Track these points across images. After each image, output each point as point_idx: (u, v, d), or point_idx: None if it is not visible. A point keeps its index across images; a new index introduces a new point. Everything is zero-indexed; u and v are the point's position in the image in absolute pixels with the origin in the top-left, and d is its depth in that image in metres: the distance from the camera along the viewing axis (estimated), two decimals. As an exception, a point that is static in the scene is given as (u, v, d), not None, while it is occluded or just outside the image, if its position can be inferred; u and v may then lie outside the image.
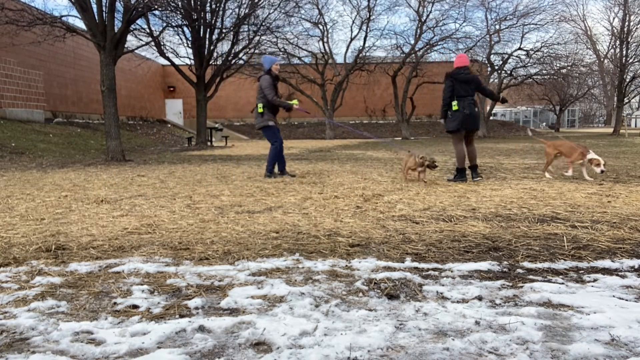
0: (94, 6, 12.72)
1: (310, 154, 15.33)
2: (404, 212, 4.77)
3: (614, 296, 2.49)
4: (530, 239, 3.65)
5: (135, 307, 2.42)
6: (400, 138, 28.49)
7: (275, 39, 24.97)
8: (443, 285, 2.68)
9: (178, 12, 18.24)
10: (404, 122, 28.70)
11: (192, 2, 19.44)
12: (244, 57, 24.25)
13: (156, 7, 14.22)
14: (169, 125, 33.92)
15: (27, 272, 2.99)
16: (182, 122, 36.92)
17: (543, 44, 29.36)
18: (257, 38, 22.99)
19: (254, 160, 12.65)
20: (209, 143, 23.51)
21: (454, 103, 6.99)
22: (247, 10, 21.20)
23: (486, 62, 29.94)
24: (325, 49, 28.77)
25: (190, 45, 22.07)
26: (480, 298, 2.48)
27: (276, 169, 8.12)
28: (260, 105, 7.75)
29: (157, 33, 20.33)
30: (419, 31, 28.03)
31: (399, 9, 67.47)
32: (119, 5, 13.46)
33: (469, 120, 7.04)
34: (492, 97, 7.94)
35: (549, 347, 1.94)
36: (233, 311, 2.37)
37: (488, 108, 32.94)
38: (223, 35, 21.69)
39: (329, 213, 4.80)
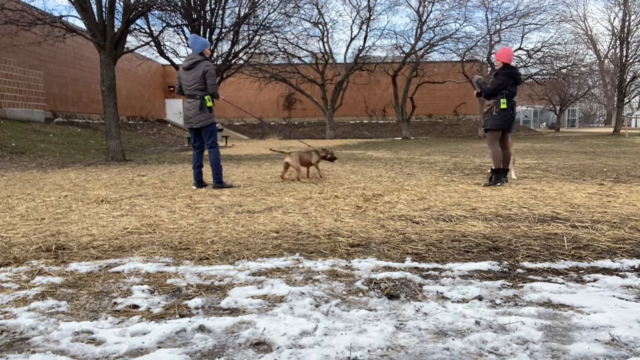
0: (94, 6, 12.72)
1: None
2: (404, 212, 4.77)
3: (614, 296, 2.49)
4: (531, 239, 3.65)
5: (136, 307, 2.42)
6: (400, 138, 28.48)
7: (275, 39, 24.99)
8: (443, 285, 2.68)
9: (178, 12, 18.23)
10: (404, 122, 28.70)
11: (192, 2, 19.43)
12: (244, 57, 24.24)
13: (155, 6, 14.22)
14: (169, 125, 33.92)
15: (27, 272, 2.99)
16: (182, 122, 36.91)
17: (543, 44, 29.36)
18: (257, 38, 23.00)
19: (254, 160, 12.65)
20: (209, 143, 23.47)
21: (503, 101, 6.57)
22: (246, 10, 21.20)
23: (486, 62, 29.94)
24: (325, 49, 28.78)
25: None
26: (480, 298, 2.48)
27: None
28: (208, 98, 6.54)
29: (157, 33, 20.33)
30: (419, 31, 28.05)
31: (399, 8, 67.57)
32: (119, 5, 13.47)
33: (511, 122, 6.77)
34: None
35: (549, 347, 1.94)
36: (233, 311, 2.37)
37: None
38: (223, 35, 21.68)
39: (329, 213, 4.80)
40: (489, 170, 6.98)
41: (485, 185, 6.66)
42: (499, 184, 6.62)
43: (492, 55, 28.54)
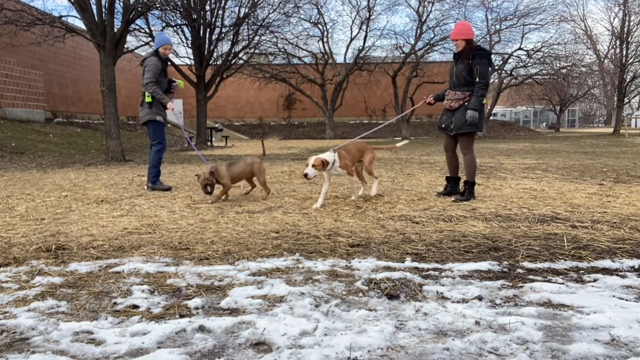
0: (94, 6, 12.72)
1: (310, 154, 15.32)
2: (404, 212, 4.77)
3: (614, 296, 2.49)
4: (530, 239, 3.65)
5: (135, 307, 2.42)
6: (400, 138, 28.47)
7: (275, 39, 24.98)
8: (443, 285, 2.67)
9: (177, 12, 18.23)
10: (404, 122, 28.69)
11: (192, 2, 19.42)
12: (244, 57, 24.25)
13: (155, 6, 14.21)
14: (169, 125, 33.93)
15: (27, 272, 2.99)
16: (182, 122, 36.93)
17: (543, 44, 29.39)
18: (257, 38, 23.00)
19: (254, 160, 12.64)
20: (209, 143, 23.50)
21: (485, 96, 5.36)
22: (246, 10, 21.20)
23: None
24: (325, 49, 28.75)
25: (190, 45, 22.07)
26: (480, 298, 2.48)
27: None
28: (147, 93, 6.49)
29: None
30: (419, 31, 28.02)
31: (399, 8, 67.57)
32: (119, 5, 13.46)
33: None
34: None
35: (549, 347, 1.94)
36: (233, 311, 2.37)
37: (488, 107, 32.96)
38: (223, 35, 21.68)
39: (329, 213, 4.80)
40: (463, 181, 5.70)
41: (456, 200, 5.45)
42: (472, 199, 5.47)
43: (492, 56, 28.49)
